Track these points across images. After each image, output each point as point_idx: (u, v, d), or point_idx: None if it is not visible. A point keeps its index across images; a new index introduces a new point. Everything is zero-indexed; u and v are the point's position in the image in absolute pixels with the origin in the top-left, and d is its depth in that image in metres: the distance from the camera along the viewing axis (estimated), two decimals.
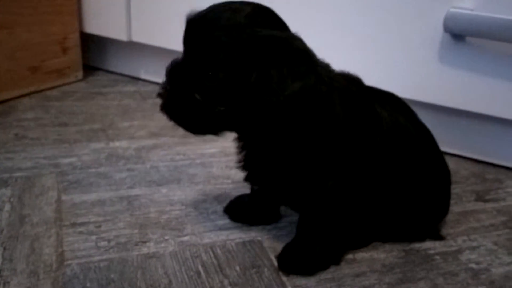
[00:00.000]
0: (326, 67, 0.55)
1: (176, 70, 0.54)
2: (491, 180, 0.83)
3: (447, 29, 0.77)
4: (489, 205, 0.75)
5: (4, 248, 0.58)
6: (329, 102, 0.53)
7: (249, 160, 0.59)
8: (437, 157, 0.64)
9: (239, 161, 0.60)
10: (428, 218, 0.65)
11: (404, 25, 0.83)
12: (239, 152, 0.60)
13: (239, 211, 0.68)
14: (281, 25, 0.53)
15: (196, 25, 0.51)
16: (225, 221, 0.67)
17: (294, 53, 0.50)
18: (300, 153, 0.55)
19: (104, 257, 0.58)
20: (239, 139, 0.59)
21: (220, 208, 0.70)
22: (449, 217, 0.70)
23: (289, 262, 0.58)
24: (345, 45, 0.88)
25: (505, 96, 0.79)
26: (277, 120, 0.51)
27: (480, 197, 0.77)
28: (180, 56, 0.55)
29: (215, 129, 0.55)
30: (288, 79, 0.48)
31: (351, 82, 0.59)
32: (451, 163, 0.87)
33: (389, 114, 0.59)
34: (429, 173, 0.62)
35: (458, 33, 0.78)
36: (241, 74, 0.49)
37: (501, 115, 0.81)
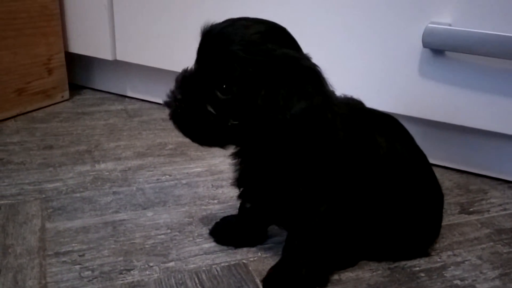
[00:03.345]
0: (331, 92, 0.55)
1: (188, 80, 0.53)
2: (475, 191, 0.84)
3: (426, 44, 0.78)
4: (473, 217, 0.76)
5: None
6: (332, 126, 0.54)
7: (245, 177, 0.59)
8: (430, 182, 0.65)
9: (235, 178, 0.60)
10: (420, 240, 0.65)
11: (384, 41, 0.84)
12: (236, 168, 0.60)
13: (225, 233, 0.68)
14: (293, 44, 0.54)
15: (213, 38, 0.52)
16: (210, 244, 0.67)
17: (304, 73, 0.50)
18: (297, 173, 0.55)
19: (88, 287, 0.57)
20: (236, 155, 0.59)
21: (206, 230, 0.69)
22: None
23: (275, 286, 0.58)
24: (327, 62, 0.89)
25: (485, 108, 0.80)
26: (282, 137, 0.51)
27: (464, 209, 0.78)
28: (190, 67, 0.55)
29: (224, 142, 0.55)
30: (295, 97, 0.49)
31: (353, 109, 0.59)
32: (436, 175, 0.88)
33: (386, 141, 0.60)
34: (422, 198, 0.62)
35: (437, 48, 0.78)
36: (254, 90, 0.50)
37: (482, 127, 0.82)
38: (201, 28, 0.53)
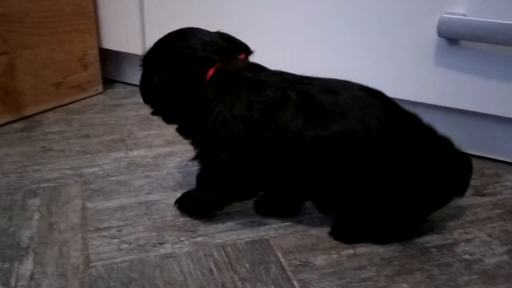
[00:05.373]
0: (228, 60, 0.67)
1: None
2: (490, 175, 0.87)
3: (441, 34, 0.81)
4: (486, 199, 0.79)
5: (35, 253, 0.65)
6: (202, 87, 0.65)
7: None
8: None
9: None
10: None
11: (400, 31, 0.87)
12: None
13: (264, 205, 0.75)
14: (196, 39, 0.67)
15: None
16: (235, 222, 0.72)
17: (172, 56, 0.66)
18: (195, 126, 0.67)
19: (126, 258, 0.64)
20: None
21: (230, 209, 0.75)
22: (447, 211, 0.75)
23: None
24: (347, 52, 0.93)
25: (499, 94, 0.83)
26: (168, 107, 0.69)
27: (477, 192, 0.81)
28: None
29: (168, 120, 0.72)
30: (155, 75, 0.66)
31: (251, 68, 0.67)
32: None
33: (300, 94, 0.62)
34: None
35: (452, 38, 0.82)
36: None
37: (497, 113, 0.85)
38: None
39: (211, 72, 0.65)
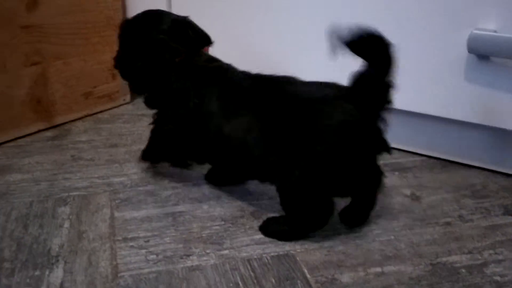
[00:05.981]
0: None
1: None
2: None
3: (471, 50, 0.80)
4: None
5: (65, 262, 0.66)
6: (170, 71, 0.79)
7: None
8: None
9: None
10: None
11: (430, 47, 0.87)
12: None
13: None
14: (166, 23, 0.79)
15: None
16: (260, 236, 0.72)
17: (151, 43, 0.78)
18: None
19: (153, 269, 0.64)
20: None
21: (256, 223, 0.75)
22: (476, 231, 0.73)
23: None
24: None
25: None
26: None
27: (508, 211, 0.80)
28: None
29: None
30: (139, 61, 0.80)
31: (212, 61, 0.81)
32: (481, 178, 0.90)
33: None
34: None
35: (482, 54, 0.81)
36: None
37: None
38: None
39: (177, 60, 0.78)
